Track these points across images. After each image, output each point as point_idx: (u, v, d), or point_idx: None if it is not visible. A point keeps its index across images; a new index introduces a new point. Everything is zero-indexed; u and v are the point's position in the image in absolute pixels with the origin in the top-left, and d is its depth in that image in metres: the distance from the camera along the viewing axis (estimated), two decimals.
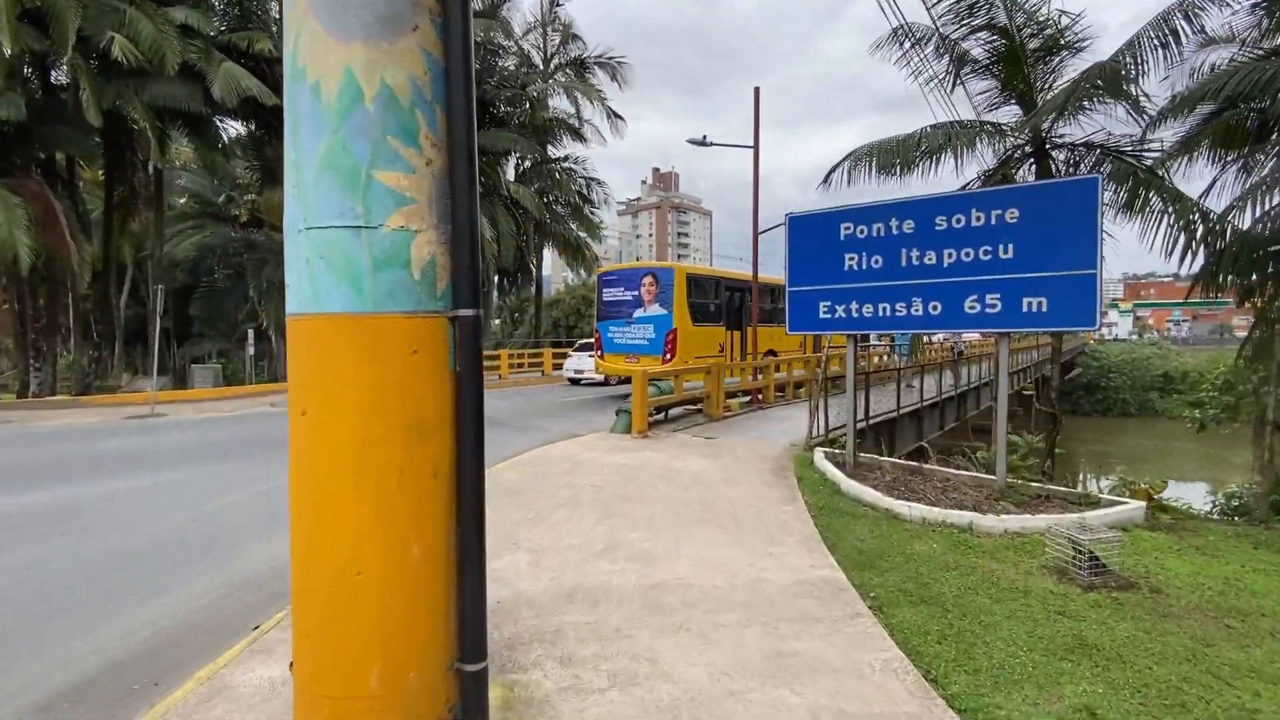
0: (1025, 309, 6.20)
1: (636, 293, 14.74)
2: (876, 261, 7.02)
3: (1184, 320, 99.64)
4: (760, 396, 13.34)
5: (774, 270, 13.48)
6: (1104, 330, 72.99)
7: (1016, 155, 9.07)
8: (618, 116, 27.92)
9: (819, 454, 7.96)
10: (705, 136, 13.32)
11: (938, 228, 6.66)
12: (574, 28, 27.75)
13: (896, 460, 7.55)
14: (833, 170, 9.66)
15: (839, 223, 7.25)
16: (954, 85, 9.22)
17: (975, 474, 7.15)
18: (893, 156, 9.05)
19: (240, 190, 27.09)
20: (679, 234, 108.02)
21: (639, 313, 14.68)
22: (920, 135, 8.97)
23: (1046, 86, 8.73)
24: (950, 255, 6.59)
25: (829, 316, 7.35)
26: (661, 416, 11.37)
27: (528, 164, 25.52)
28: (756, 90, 12.89)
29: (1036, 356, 31.09)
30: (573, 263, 26.74)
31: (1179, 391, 45.01)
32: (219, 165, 26.31)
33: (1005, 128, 9.04)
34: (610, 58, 27.46)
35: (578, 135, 25.07)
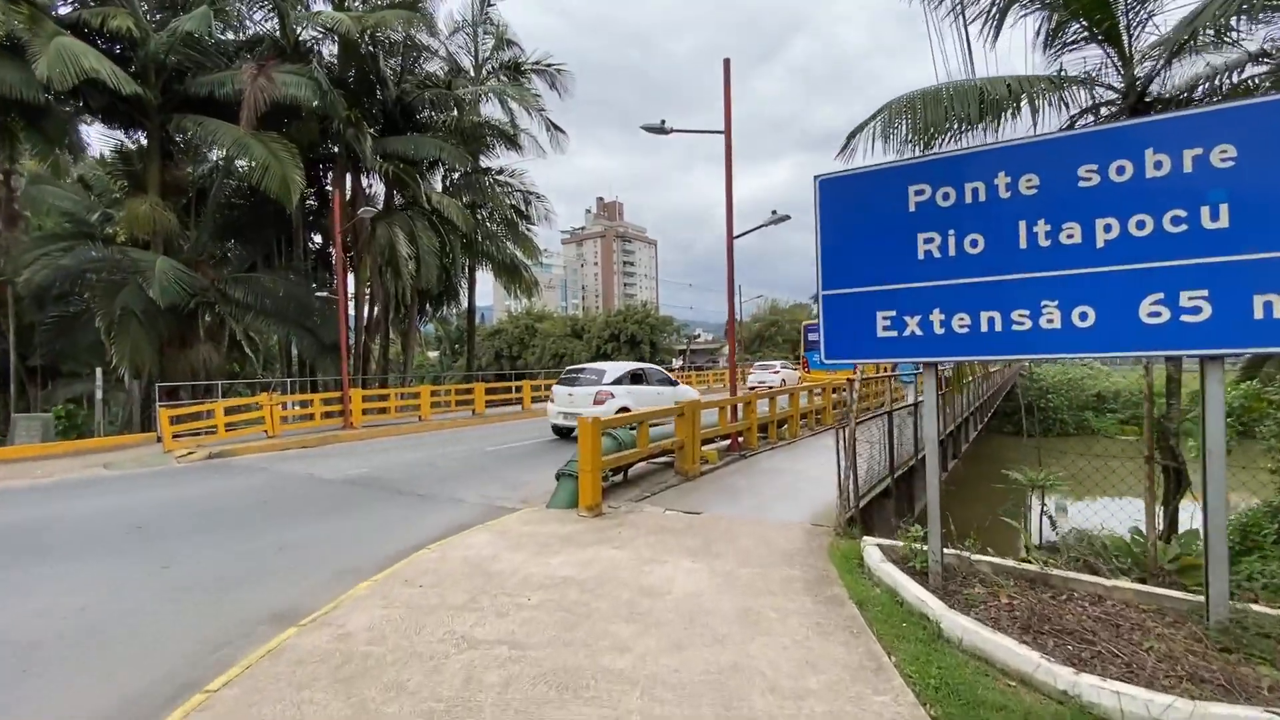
0: (1258, 313, 3.52)
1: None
2: (974, 244, 4.25)
3: None
4: (741, 440, 10.45)
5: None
6: None
7: (1103, 111, 6.69)
8: (558, 129, 25.21)
9: (871, 550, 5.04)
10: (664, 121, 10.59)
11: (1083, 183, 3.95)
12: (509, 32, 25.05)
13: (996, 560, 4.75)
14: (858, 132, 6.97)
15: (906, 183, 4.46)
16: (998, 28, 6.79)
17: (1135, 586, 4.36)
18: (959, 105, 6.36)
19: (118, 205, 22.80)
20: (625, 263, 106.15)
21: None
22: (979, 86, 6.40)
23: (1139, 22, 6.39)
24: (1109, 228, 3.88)
25: (893, 335, 4.51)
26: (620, 477, 8.30)
27: (456, 175, 22.35)
28: (726, 63, 10.29)
29: (987, 389, 29.42)
30: (510, 285, 23.56)
31: (1112, 410, 45.63)
32: (99, 178, 22.23)
33: (1087, 76, 6.64)
34: (549, 64, 24.80)
35: (513, 143, 22.14)
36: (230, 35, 19.85)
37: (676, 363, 67.80)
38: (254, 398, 14.92)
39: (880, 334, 4.54)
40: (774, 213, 9.92)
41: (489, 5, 23.95)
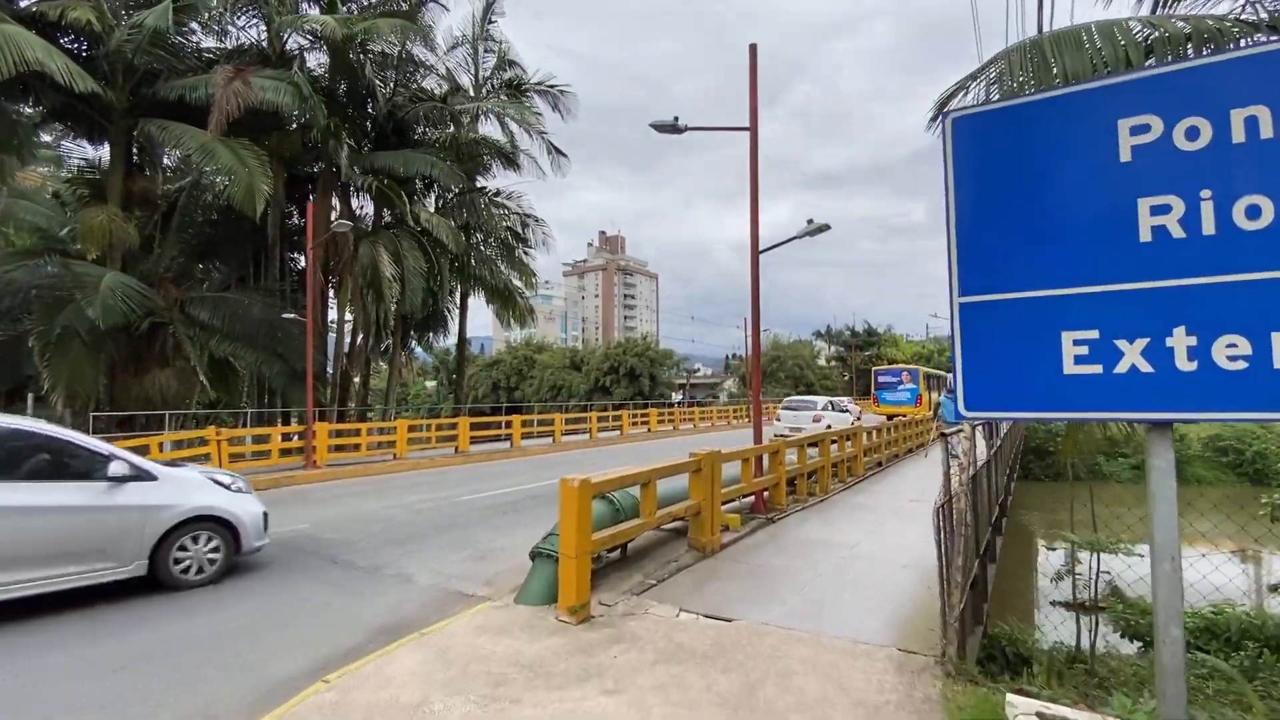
0: None
1: (899, 377, 32.85)
2: (1253, 212, 2.37)
3: None
4: (766, 497, 8.44)
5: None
6: None
7: None
8: (559, 152, 23.76)
9: None
10: (677, 119, 8.88)
11: None
12: (511, 52, 23.81)
13: None
14: (960, 91, 5.11)
15: (1116, 114, 2.60)
16: None
17: None
18: (1109, 48, 4.47)
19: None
20: (625, 295, 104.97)
21: (901, 385, 32.10)
22: (1142, 23, 4.58)
23: None
24: None
25: (1093, 371, 2.58)
26: (618, 554, 6.27)
27: (451, 196, 20.72)
28: (752, 49, 8.64)
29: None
30: (503, 313, 21.73)
31: (1124, 455, 43.51)
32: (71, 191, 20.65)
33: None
34: (552, 85, 23.50)
35: (510, 162, 20.58)
36: (212, 42, 18.48)
37: (676, 397, 65.78)
38: (200, 431, 12.93)
39: (1070, 369, 2.61)
40: (809, 221, 8.11)
41: (490, 22, 22.73)
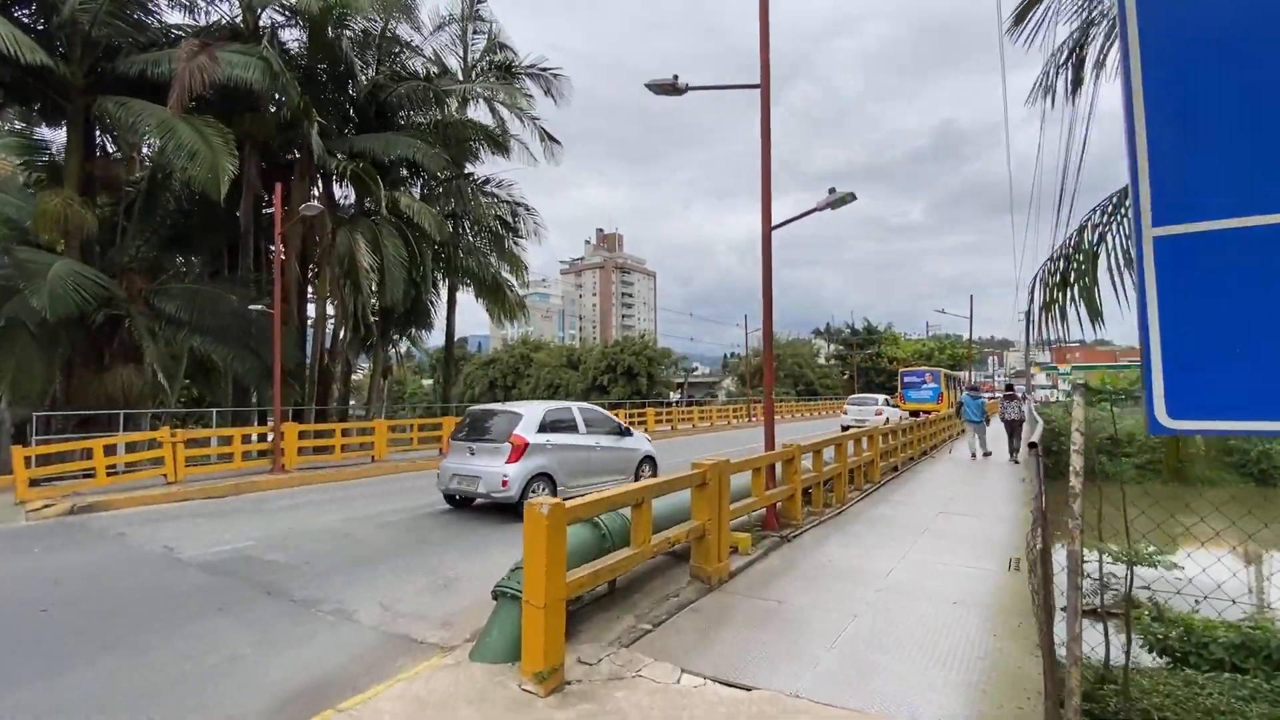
0: None
1: (923, 378, 35.39)
2: None
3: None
4: (779, 510, 7.28)
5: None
6: (1048, 392, 71.64)
7: None
8: (552, 139, 22.59)
9: None
10: (676, 77, 7.71)
11: None
12: (502, 34, 22.63)
13: None
14: None
15: None
16: None
17: None
18: None
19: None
20: (623, 294, 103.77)
21: (925, 385, 34.17)
22: None
23: None
24: None
25: None
26: (605, 587, 5.09)
27: (437, 183, 19.51)
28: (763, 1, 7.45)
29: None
30: (493, 307, 20.55)
31: (1127, 454, 42.73)
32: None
33: None
34: (544, 68, 22.33)
35: (499, 146, 19.36)
36: (181, 17, 17.26)
37: (674, 396, 64.64)
38: (153, 433, 11.74)
39: None
40: (832, 190, 6.96)
41: (479, 1, 21.53)
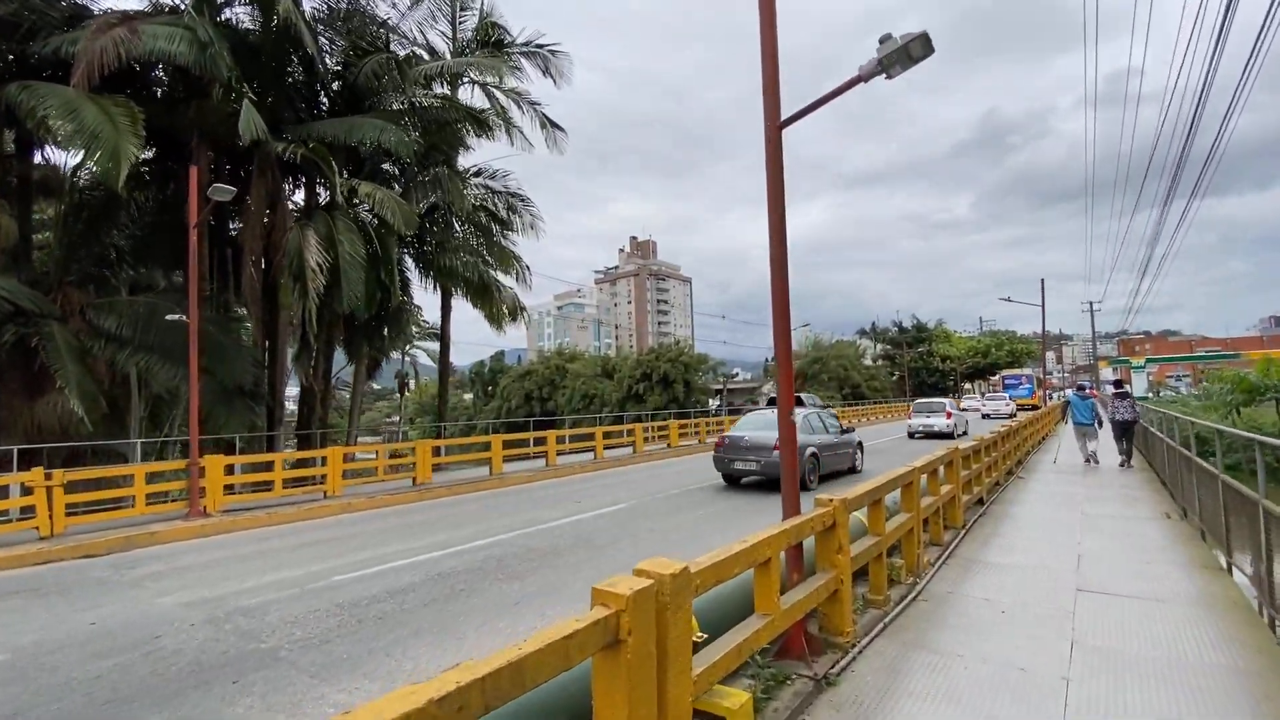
0: None
1: (1020, 380, 51.94)
2: None
3: (1185, 375, 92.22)
4: (807, 627, 4.01)
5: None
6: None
7: None
8: (555, 126, 19.83)
9: None
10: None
11: None
12: (496, 11, 20.04)
13: None
14: None
15: None
16: None
17: None
18: None
19: None
20: (659, 301, 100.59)
21: (1022, 385, 50.31)
22: None
23: None
24: None
25: None
26: None
27: (419, 172, 16.88)
28: None
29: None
30: (483, 307, 17.78)
31: (1210, 454, 37.27)
32: None
33: None
34: (540, 45, 19.61)
35: (483, 126, 16.58)
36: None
37: (713, 403, 61.07)
38: (26, 475, 9.28)
39: None
40: (887, 39, 3.68)
41: None
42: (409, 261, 16.84)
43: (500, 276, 19.17)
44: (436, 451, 14.23)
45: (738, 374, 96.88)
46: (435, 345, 33.33)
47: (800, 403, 20.88)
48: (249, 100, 12.28)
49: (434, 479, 14.21)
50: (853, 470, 13.71)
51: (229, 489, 11.37)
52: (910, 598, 5.26)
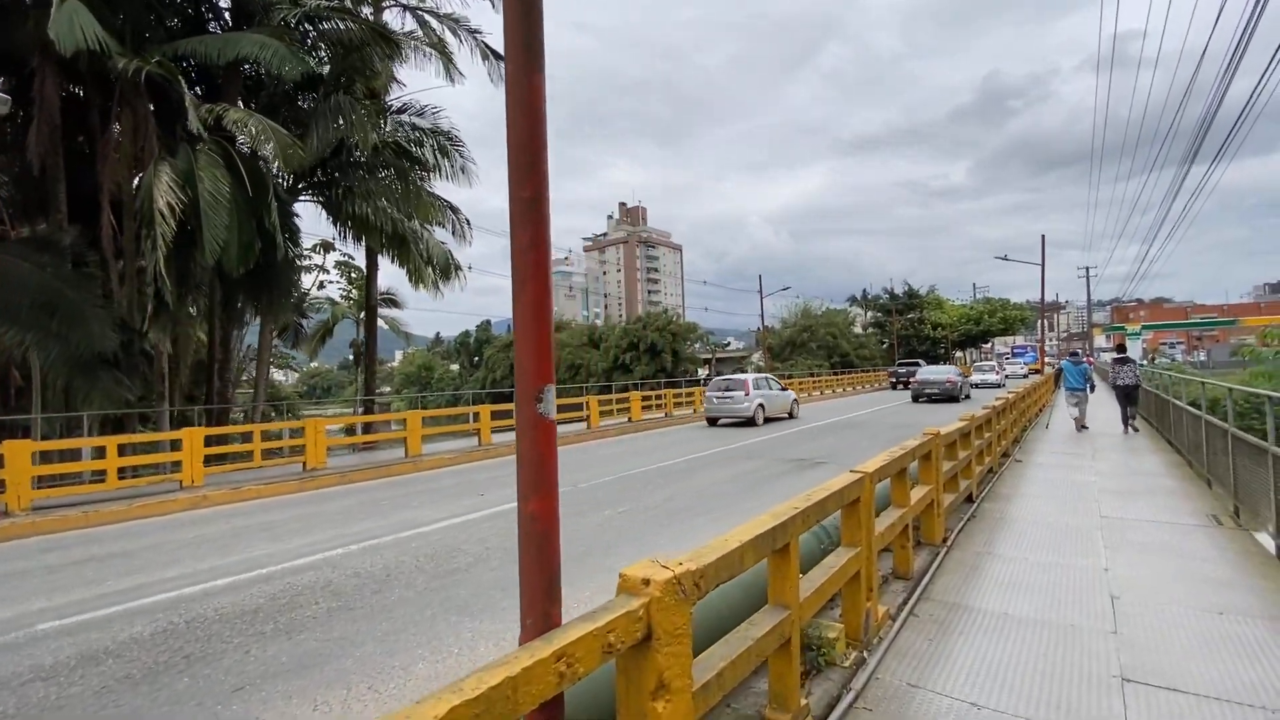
0: None
1: (1025, 351, 68.54)
2: None
3: (1178, 343, 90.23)
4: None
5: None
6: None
7: None
8: (496, 55, 17.02)
9: None
10: None
11: None
12: None
13: None
14: None
15: None
16: None
17: None
18: None
19: None
20: (649, 269, 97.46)
21: (1026, 354, 64.33)
22: None
23: None
24: None
25: None
26: None
27: (318, 102, 14.17)
28: None
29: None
30: (403, 262, 15.28)
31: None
32: None
33: None
34: None
35: (392, 46, 13.76)
36: None
37: (702, 372, 58.97)
38: None
39: None
40: None
41: None
42: (316, 210, 14.30)
43: (438, 231, 16.66)
44: (357, 429, 11.91)
45: (729, 343, 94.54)
46: (397, 312, 30.92)
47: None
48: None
49: (330, 463, 11.98)
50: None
51: (47, 481, 9.11)
52: (844, 708, 3.00)
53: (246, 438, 11.67)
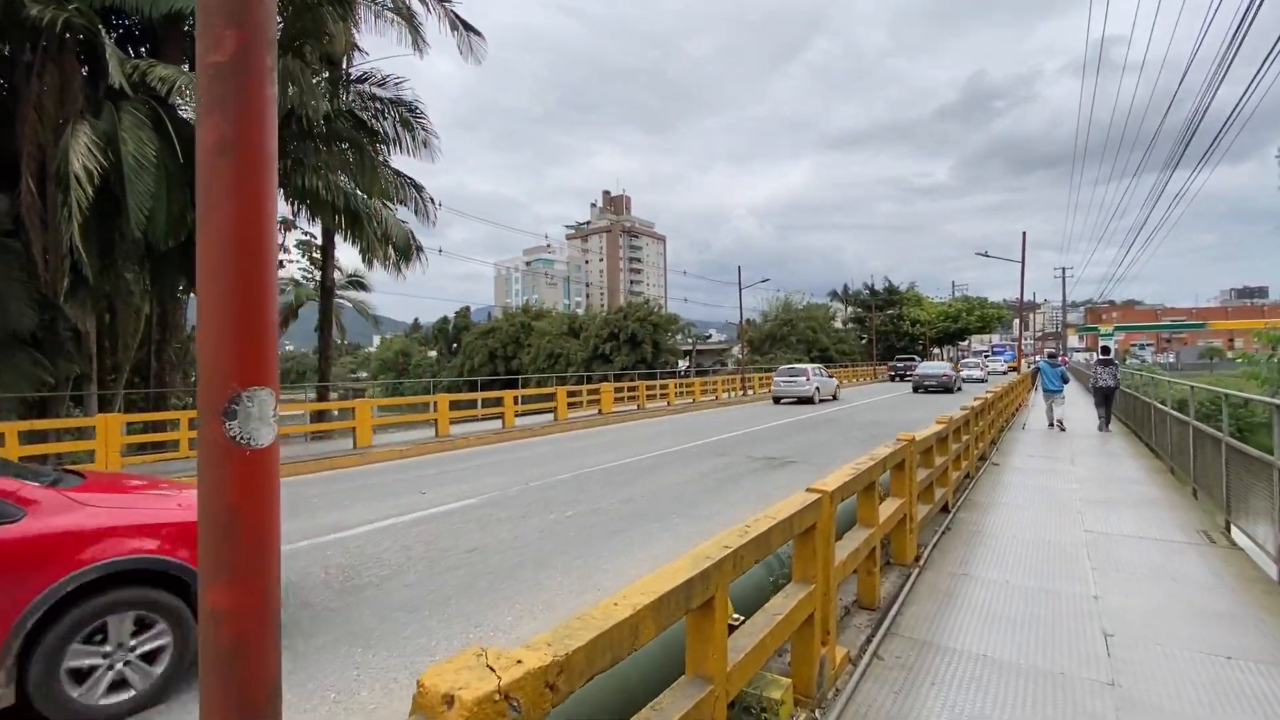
0: None
1: (1004, 350, 73.59)
2: None
3: (1147, 344, 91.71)
4: None
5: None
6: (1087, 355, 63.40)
7: None
8: (469, 29, 16.03)
9: None
10: None
11: None
12: None
13: None
14: None
15: None
16: None
17: None
18: None
19: None
20: (632, 259, 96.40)
21: (1006, 353, 67.46)
22: None
23: None
24: None
25: None
26: None
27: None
28: None
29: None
30: (357, 239, 14.36)
31: (1181, 422, 35.93)
32: None
33: None
34: None
35: (344, 5, 12.79)
36: None
37: (682, 364, 58.44)
38: None
39: None
40: None
41: None
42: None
43: (400, 210, 15.69)
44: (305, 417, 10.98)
45: (711, 335, 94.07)
46: (365, 295, 29.76)
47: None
48: None
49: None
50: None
51: None
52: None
53: (176, 425, 10.73)
